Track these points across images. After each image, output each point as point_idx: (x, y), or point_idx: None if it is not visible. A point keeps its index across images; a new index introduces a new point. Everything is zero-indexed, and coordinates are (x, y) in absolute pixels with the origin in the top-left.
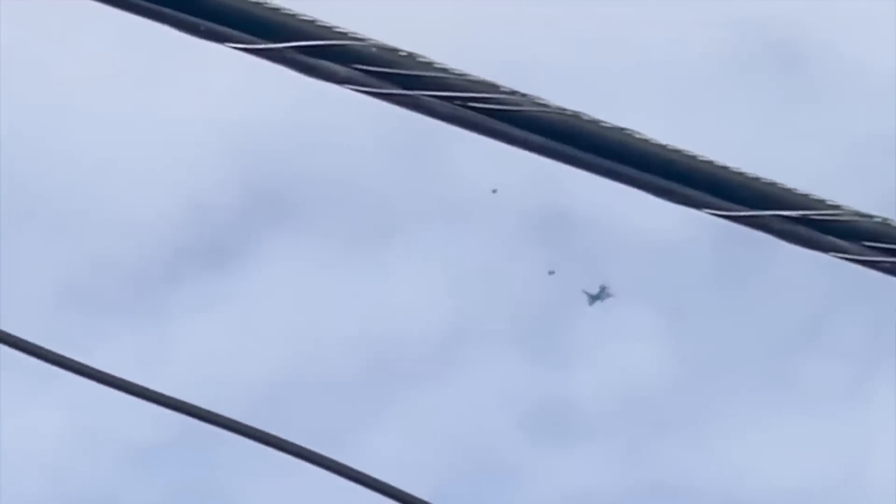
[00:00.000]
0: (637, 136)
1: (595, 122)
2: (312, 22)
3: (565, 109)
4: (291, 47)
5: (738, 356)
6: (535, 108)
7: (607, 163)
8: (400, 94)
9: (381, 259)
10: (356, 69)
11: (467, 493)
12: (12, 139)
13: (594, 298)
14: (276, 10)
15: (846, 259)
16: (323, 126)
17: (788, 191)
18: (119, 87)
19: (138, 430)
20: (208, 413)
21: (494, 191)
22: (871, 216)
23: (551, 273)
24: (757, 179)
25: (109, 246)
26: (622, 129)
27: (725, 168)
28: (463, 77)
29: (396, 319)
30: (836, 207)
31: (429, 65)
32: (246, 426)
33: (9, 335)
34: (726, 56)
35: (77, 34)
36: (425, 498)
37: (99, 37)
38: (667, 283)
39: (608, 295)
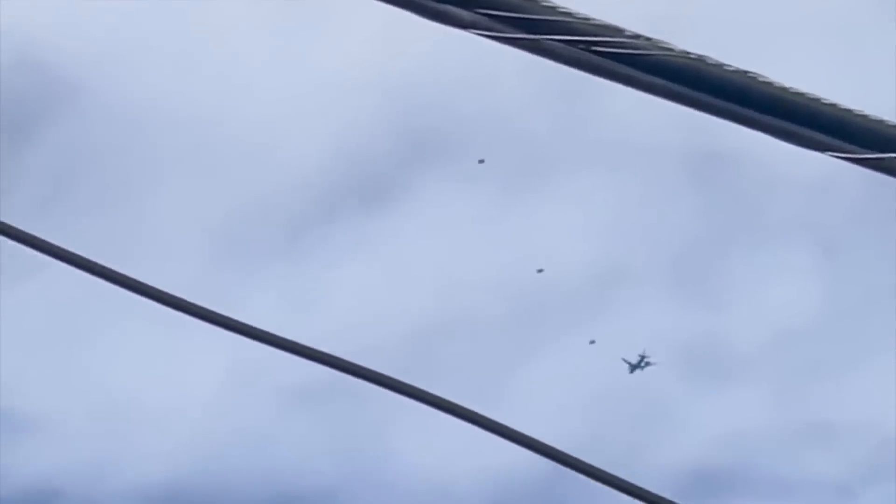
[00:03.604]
0: (761, 79)
1: (719, 66)
2: None
3: (689, 53)
4: None
5: (887, 294)
6: (659, 52)
7: (731, 106)
8: (524, 39)
9: (532, 201)
10: (480, 14)
11: (620, 434)
12: (165, 91)
13: (634, 367)
14: None
15: None
16: (479, 69)
17: None
18: (270, 33)
19: (289, 374)
20: (351, 365)
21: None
22: None
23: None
24: (881, 122)
25: (262, 191)
26: (746, 72)
27: (849, 111)
28: (587, 21)
29: (549, 261)
30: None
31: (552, 9)
32: (387, 377)
33: (162, 292)
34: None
35: None
36: (569, 451)
37: None
38: (817, 222)
39: (647, 363)
